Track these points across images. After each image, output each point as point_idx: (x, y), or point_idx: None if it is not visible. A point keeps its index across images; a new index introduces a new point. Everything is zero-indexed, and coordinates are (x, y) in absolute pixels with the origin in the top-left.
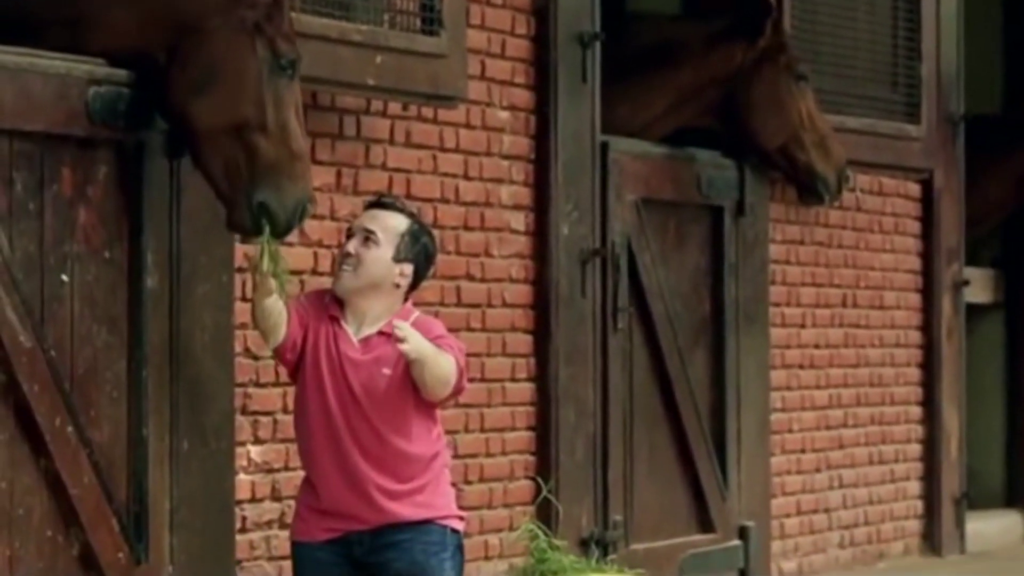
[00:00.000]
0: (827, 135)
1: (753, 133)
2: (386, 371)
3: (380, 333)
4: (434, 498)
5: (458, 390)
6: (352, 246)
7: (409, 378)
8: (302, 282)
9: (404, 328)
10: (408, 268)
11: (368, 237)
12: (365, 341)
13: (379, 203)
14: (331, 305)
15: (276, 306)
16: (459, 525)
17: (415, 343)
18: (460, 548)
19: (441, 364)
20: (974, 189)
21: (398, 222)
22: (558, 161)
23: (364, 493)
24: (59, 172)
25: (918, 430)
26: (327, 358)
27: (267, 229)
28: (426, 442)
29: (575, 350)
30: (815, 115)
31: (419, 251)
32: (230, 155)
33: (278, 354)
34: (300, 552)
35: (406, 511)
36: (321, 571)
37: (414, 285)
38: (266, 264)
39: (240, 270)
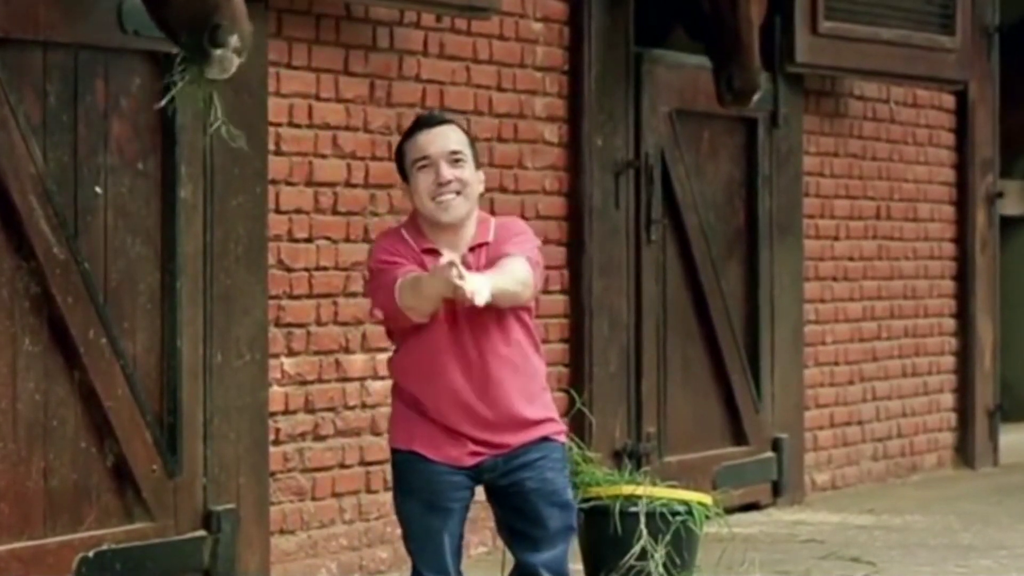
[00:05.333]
0: (725, 30)
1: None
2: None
3: (471, 249)
4: (550, 413)
5: (537, 287)
6: (448, 172)
7: None
8: (335, 194)
9: (469, 281)
10: (482, 174)
11: (457, 159)
12: (466, 257)
13: (434, 120)
14: (415, 239)
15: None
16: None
17: (481, 287)
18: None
19: (516, 275)
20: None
21: (460, 133)
22: (591, 72)
23: (505, 416)
24: (92, 83)
25: (951, 342)
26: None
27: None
28: (538, 357)
29: (609, 262)
30: (722, 7)
31: (478, 152)
32: None
33: (395, 322)
34: (430, 468)
35: (536, 430)
36: (453, 493)
37: None
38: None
39: (273, 182)
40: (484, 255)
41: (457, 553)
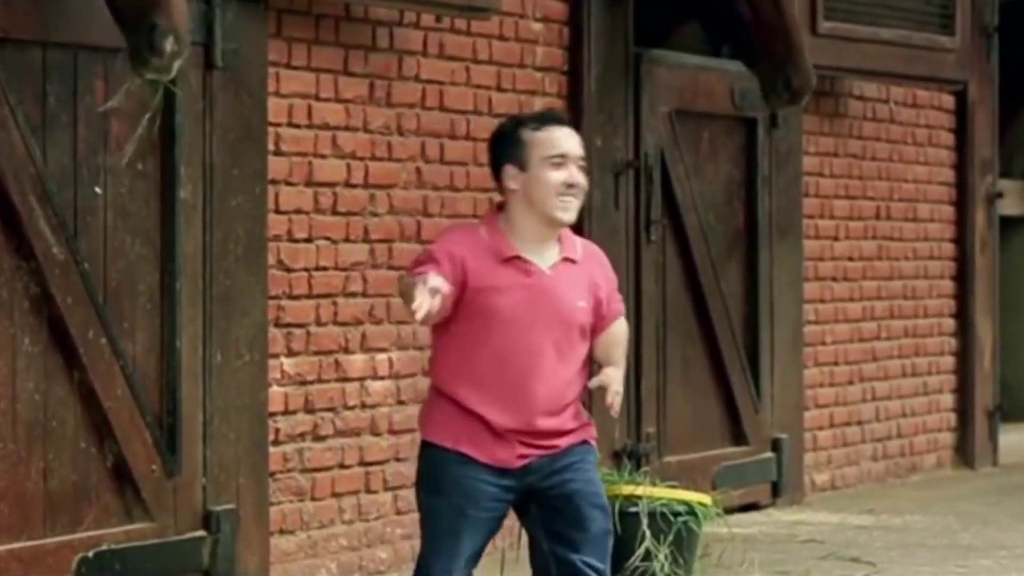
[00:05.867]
0: (774, 31)
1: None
2: (582, 304)
3: (564, 259)
4: (585, 417)
5: None
6: (578, 175)
7: (592, 311)
8: (335, 194)
9: (612, 392)
10: None
11: (582, 165)
12: (554, 267)
13: (563, 120)
14: (495, 242)
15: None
16: None
17: (619, 385)
18: None
19: (625, 342)
20: None
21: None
22: (591, 73)
23: (557, 419)
24: (92, 83)
25: (951, 342)
26: (522, 291)
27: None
28: (586, 364)
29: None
30: (765, 8)
31: None
32: None
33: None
34: (472, 474)
35: (580, 433)
36: (489, 504)
37: None
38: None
39: (273, 182)
40: (572, 272)
41: (473, 562)
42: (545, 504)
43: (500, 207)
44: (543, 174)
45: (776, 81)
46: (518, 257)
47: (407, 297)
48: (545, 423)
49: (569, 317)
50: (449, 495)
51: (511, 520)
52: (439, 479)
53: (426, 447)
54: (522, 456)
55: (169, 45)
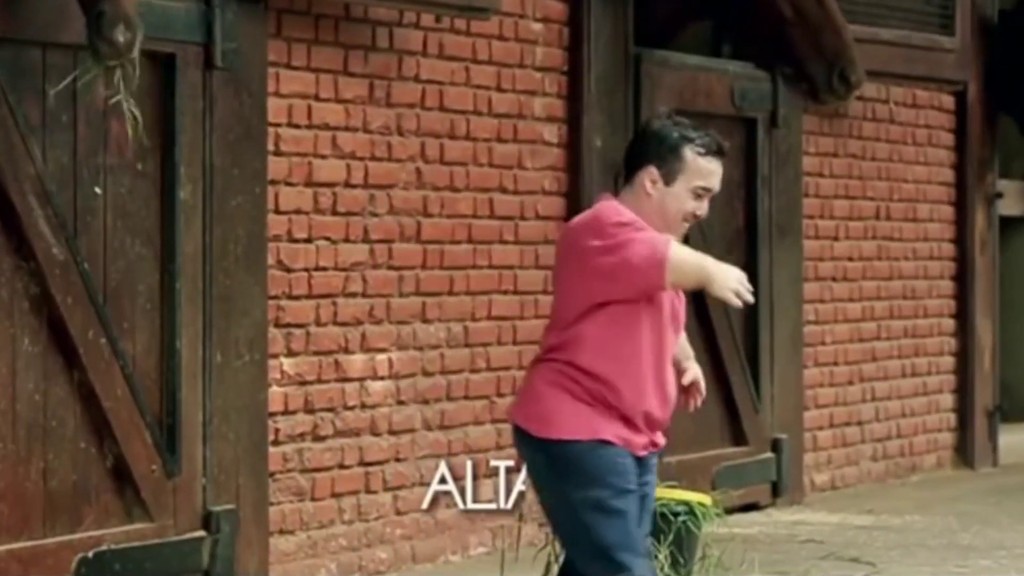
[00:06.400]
0: (823, 28)
1: (740, 29)
2: (682, 297)
3: None
4: None
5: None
6: (705, 208)
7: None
8: (335, 194)
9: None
10: None
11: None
12: None
13: (724, 151)
14: None
15: None
16: None
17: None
18: None
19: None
20: None
21: None
22: (591, 73)
23: (667, 417)
24: (92, 84)
25: (951, 343)
26: (667, 295)
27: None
28: None
29: None
30: (808, 7)
31: None
32: None
33: (630, 281)
34: (616, 451)
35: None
36: (636, 479)
37: None
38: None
39: (273, 182)
40: None
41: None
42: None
43: (612, 196)
44: (684, 199)
45: (832, 77)
46: None
47: (702, 271)
48: (659, 417)
49: (681, 311)
50: (603, 482)
51: (511, 520)
52: (587, 471)
53: (559, 446)
54: (645, 447)
55: (120, 35)
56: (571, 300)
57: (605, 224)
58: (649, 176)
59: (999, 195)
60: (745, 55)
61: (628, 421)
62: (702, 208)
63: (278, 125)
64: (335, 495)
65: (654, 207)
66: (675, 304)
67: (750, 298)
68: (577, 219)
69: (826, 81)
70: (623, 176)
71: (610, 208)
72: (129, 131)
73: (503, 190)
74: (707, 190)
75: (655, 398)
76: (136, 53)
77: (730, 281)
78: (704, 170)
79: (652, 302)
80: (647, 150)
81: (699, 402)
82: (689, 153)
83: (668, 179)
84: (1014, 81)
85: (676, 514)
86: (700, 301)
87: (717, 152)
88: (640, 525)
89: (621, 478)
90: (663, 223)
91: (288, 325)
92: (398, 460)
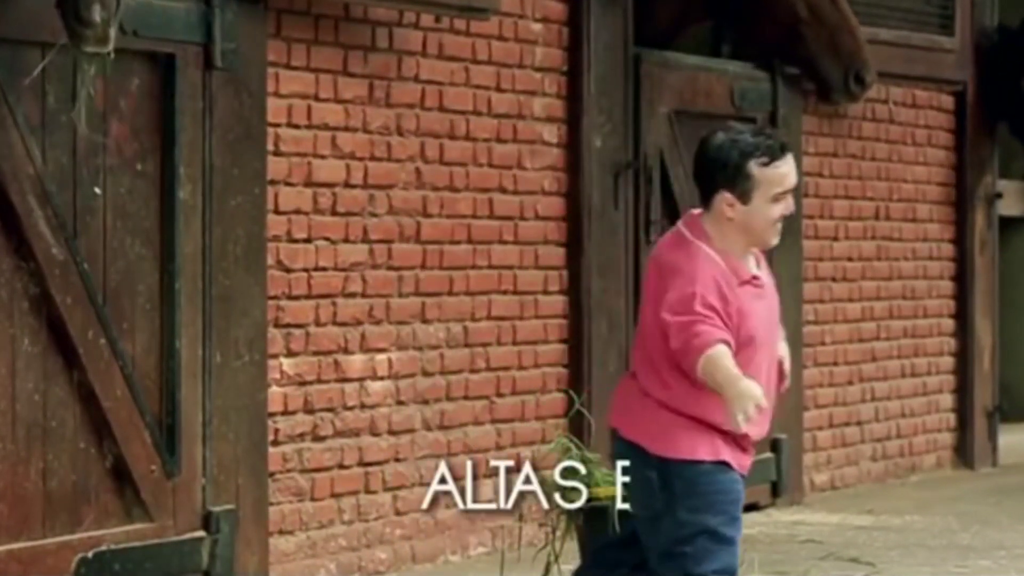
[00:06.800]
0: (838, 29)
1: (748, 29)
2: (776, 304)
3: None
4: None
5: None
6: (792, 205)
7: None
8: (334, 195)
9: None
10: None
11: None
12: (758, 278)
13: (786, 148)
14: (728, 263)
15: None
16: None
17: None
18: None
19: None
20: None
21: None
22: (591, 73)
23: (763, 436)
24: (91, 84)
25: (951, 343)
26: (761, 308)
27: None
28: None
29: (607, 262)
30: (823, 8)
31: None
32: None
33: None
34: (735, 477)
35: None
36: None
37: None
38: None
39: (272, 182)
40: (761, 285)
41: None
42: None
43: (698, 218)
44: (766, 210)
45: (848, 77)
46: (754, 276)
47: (727, 387)
48: (754, 439)
49: (778, 324)
50: (725, 506)
51: (511, 520)
52: (714, 493)
53: (682, 466)
54: (748, 468)
55: (96, 13)
56: (658, 329)
57: (683, 289)
58: (725, 201)
59: (998, 195)
60: (745, 55)
61: (737, 443)
62: (788, 207)
63: (278, 125)
64: (335, 495)
65: (738, 227)
66: (771, 308)
67: (744, 429)
68: (667, 247)
69: (842, 82)
70: (699, 197)
71: (695, 257)
72: (80, 120)
73: (503, 190)
74: (788, 192)
75: (765, 416)
76: (113, 36)
77: (746, 407)
78: (776, 178)
79: (748, 335)
80: (714, 175)
81: (783, 387)
82: (755, 168)
83: (744, 199)
84: (1008, 87)
85: None
86: None
87: (781, 154)
88: None
89: (735, 506)
90: (751, 239)
91: (288, 325)
92: (398, 460)
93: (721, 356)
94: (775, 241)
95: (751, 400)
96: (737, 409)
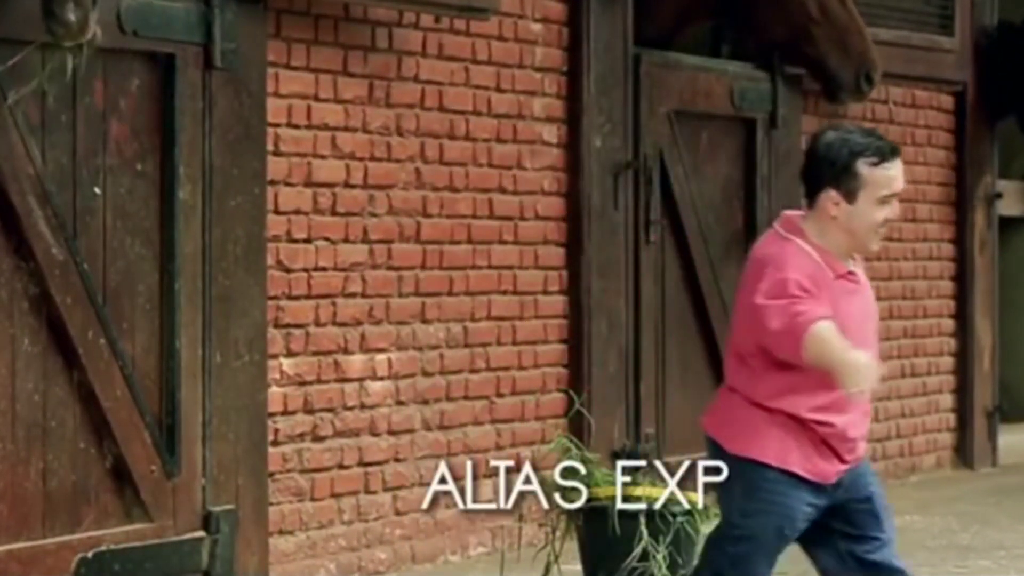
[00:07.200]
0: (848, 29)
1: (755, 28)
2: (873, 303)
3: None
4: None
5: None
6: (896, 210)
7: None
8: (334, 195)
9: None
10: None
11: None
12: (855, 274)
13: (897, 150)
14: (825, 260)
15: None
16: None
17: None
18: None
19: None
20: None
21: None
22: (590, 73)
23: (865, 430)
24: (91, 84)
25: (950, 343)
26: (855, 304)
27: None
28: None
29: (607, 263)
30: (833, 8)
31: None
32: None
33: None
34: (798, 495)
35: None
36: (801, 525)
37: None
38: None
39: (272, 183)
40: (857, 281)
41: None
42: (840, 514)
43: (793, 217)
44: (871, 212)
45: (858, 76)
46: (850, 272)
47: (839, 356)
48: (860, 432)
49: (876, 322)
50: (774, 516)
51: (511, 521)
52: (767, 500)
53: (747, 464)
54: (838, 472)
55: (71, 13)
56: (750, 336)
57: (775, 275)
58: (830, 199)
59: (998, 195)
60: (745, 55)
61: (823, 446)
62: (893, 212)
63: (277, 125)
64: (335, 495)
65: (841, 227)
66: (866, 307)
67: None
68: (762, 245)
69: (852, 81)
70: (804, 196)
71: (786, 250)
72: (45, 84)
73: (502, 190)
74: (895, 195)
75: (853, 421)
76: (90, 34)
77: (860, 378)
78: (883, 179)
79: (840, 317)
80: (821, 172)
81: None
82: (864, 168)
83: (850, 198)
84: (1014, 82)
85: (675, 515)
86: (699, 300)
87: (891, 155)
88: (881, 528)
89: (790, 523)
90: (854, 241)
91: (287, 325)
92: (398, 460)
93: (828, 330)
94: (876, 247)
95: (866, 369)
96: (850, 382)
